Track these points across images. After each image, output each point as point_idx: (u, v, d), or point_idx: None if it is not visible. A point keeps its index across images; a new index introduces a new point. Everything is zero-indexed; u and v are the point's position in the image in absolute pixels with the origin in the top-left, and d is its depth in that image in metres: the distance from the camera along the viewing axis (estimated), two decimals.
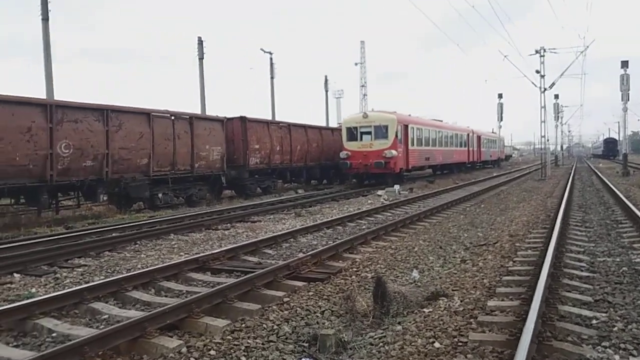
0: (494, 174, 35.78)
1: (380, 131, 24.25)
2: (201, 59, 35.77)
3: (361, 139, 24.74)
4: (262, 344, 4.68)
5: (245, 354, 4.48)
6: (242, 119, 21.25)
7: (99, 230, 11.60)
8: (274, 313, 5.44)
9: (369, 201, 18.04)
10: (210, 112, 32.51)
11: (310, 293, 6.20)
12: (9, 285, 7.18)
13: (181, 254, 9.19)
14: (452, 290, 6.15)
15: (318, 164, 26.75)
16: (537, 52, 31.25)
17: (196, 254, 8.81)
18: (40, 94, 23.34)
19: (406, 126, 25.67)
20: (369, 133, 24.58)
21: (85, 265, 8.33)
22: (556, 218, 10.75)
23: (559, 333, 4.57)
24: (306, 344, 4.74)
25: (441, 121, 35.23)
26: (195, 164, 18.17)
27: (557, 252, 7.57)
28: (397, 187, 21.06)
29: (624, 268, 6.93)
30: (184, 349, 4.55)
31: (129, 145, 15.54)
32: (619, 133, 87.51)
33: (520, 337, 4.15)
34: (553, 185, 23.72)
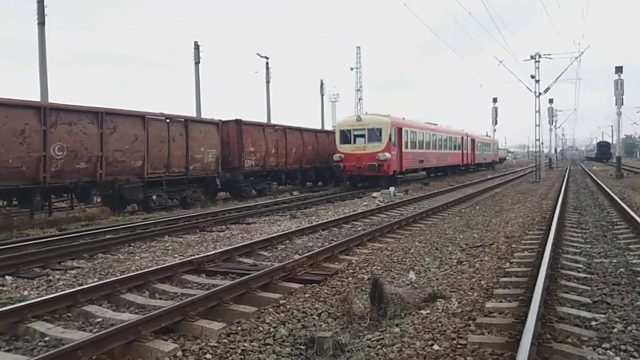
0: (489, 176, 35.84)
1: (374, 134, 24.21)
2: (197, 63, 35.76)
3: (355, 142, 24.68)
4: (259, 347, 4.62)
5: (242, 357, 4.41)
6: (238, 122, 21.20)
7: (92, 232, 11.49)
8: (270, 315, 5.37)
9: (364, 203, 18.00)
10: (206, 114, 32.61)
11: (307, 295, 6.14)
12: (0, 288, 7.07)
13: (175, 255, 9.11)
14: (450, 291, 6.11)
15: (313, 167, 26.73)
16: (532, 57, 31.44)
17: (191, 255, 8.74)
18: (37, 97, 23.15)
19: (400, 129, 25.67)
20: (362, 136, 24.53)
21: (79, 268, 8.23)
22: (552, 219, 10.75)
23: (558, 335, 4.53)
24: (303, 347, 4.68)
25: (436, 124, 35.29)
26: (190, 167, 18.09)
27: (554, 254, 7.54)
28: (392, 189, 21.02)
29: (621, 269, 6.91)
30: (179, 353, 4.47)
31: (124, 148, 15.44)
32: (612, 136, 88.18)
33: (520, 339, 4.10)
34: (547, 188, 23.77)
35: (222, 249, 8.80)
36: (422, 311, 5.42)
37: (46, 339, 4.95)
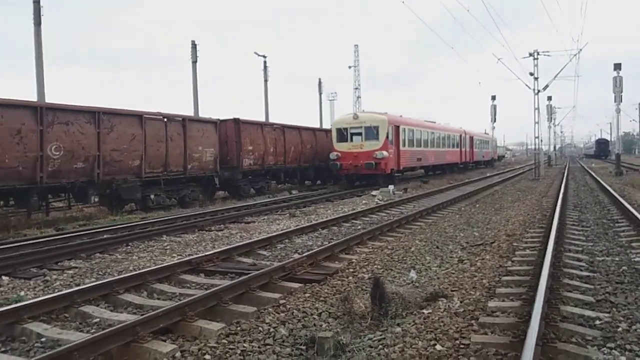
0: (488, 174, 35.80)
1: (371, 132, 24.01)
2: (194, 62, 35.69)
3: (351, 140, 24.49)
4: (258, 347, 4.55)
5: (241, 358, 4.34)
6: (236, 120, 21.13)
7: (90, 232, 11.41)
8: (270, 315, 5.30)
9: (364, 201, 17.93)
10: (204, 114, 32.46)
11: (307, 295, 6.07)
12: None
13: (174, 255, 9.03)
14: (451, 290, 6.04)
15: (312, 165, 26.66)
16: (530, 55, 31.37)
17: (189, 255, 8.67)
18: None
19: (397, 127, 25.52)
20: (359, 134, 24.32)
21: (76, 268, 8.15)
22: (553, 217, 10.69)
23: (562, 334, 4.47)
24: (303, 347, 4.61)
25: (434, 122, 35.20)
26: (188, 166, 18.01)
27: (556, 252, 7.48)
28: (391, 187, 20.96)
29: (623, 267, 6.85)
30: (177, 354, 4.41)
31: (121, 147, 15.36)
32: (610, 134, 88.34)
33: (524, 339, 4.04)
34: (547, 185, 23.72)
35: (221, 249, 8.72)
36: (423, 310, 5.35)
37: (43, 340, 4.88)
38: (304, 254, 7.87)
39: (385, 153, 23.56)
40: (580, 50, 31.24)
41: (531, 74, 31.74)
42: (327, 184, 27.91)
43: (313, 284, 6.51)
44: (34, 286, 7.06)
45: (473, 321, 4.89)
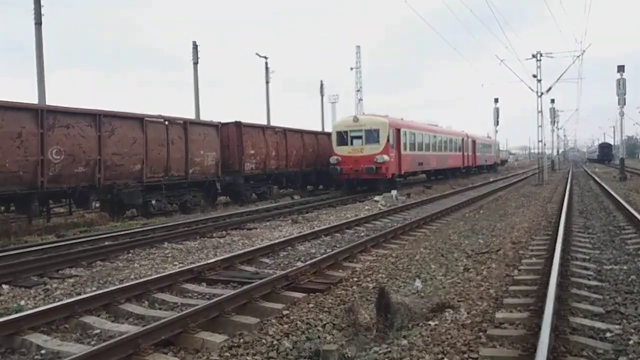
0: (491, 179, 35.66)
1: (372, 135, 23.64)
2: (196, 63, 35.48)
3: (352, 144, 24.11)
4: None
5: None
6: (237, 124, 21.04)
7: (91, 238, 11.32)
8: (273, 327, 5.21)
9: (367, 207, 17.83)
10: (205, 116, 32.32)
11: (311, 305, 5.97)
12: None
13: (175, 263, 8.94)
14: (458, 301, 5.93)
15: (314, 169, 26.51)
16: (533, 56, 31.27)
17: (191, 263, 8.58)
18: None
19: (398, 130, 25.25)
20: (359, 137, 23.93)
21: (77, 276, 8.07)
22: (558, 224, 10.58)
23: (573, 347, 4.37)
24: None
25: (436, 125, 35.06)
26: (190, 170, 17.91)
27: (563, 260, 7.38)
28: (394, 192, 20.84)
29: (632, 276, 6.74)
30: None
31: (122, 151, 15.27)
32: (614, 137, 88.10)
33: (534, 352, 3.95)
34: (551, 191, 23.60)
35: (223, 257, 8.63)
36: (430, 322, 5.24)
37: (42, 352, 4.80)
38: (308, 263, 7.78)
39: (386, 157, 23.28)
40: (584, 51, 30.91)
41: (534, 76, 31.62)
42: (329, 189, 27.78)
43: (317, 293, 6.41)
44: (35, 295, 6.98)
45: (481, 333, 4.79)
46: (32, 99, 24.26)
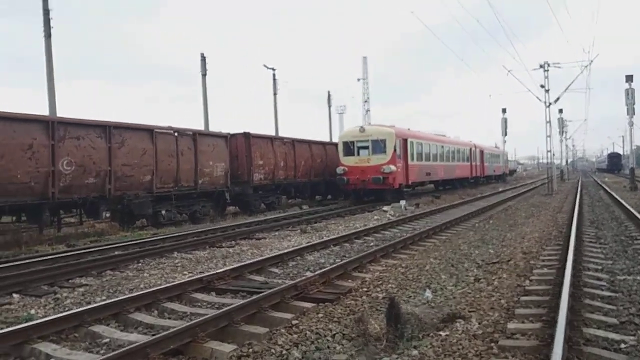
0: (500, 189, 35.46)
1: (378, 145, 23.56)
2: (204, 75, 35.75)
3: (358, 154, 24.03)
4: None
5: None
6: (246, 135, 21.15)
7: (101, 248, 11.37)
8: (282, 337, 5.18)
9: (375, 217, 17.78)
10: (214, 127, 32.48)
11: (320, 315, 5.93)
12: (7, 306, 6.96)
13: (185, 272, 8.95)
14: (469, 311, 5.87)
15: (322, 180, 26.53)
16: (541, 66, 31.18)
17: (200, 272, 8.58)
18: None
19: (405, 140, 25.18)
20: (366, 148, 23.86)
21: (87, 285, 8.09)
22: (569, 234, 10.48)
23: (587, 359, 4.30)
24: None
25: (444, 135, 34.97)
26: (199, 180, 17.99)
27: (575, 270, 7.29)
28: (403, 202, 20.76)
29: None
30: None
31: (132, 162, 15.38)
32: (623, 147, 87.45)
33: None
34: (561, 201, 23.41)
35: (233, 266, 8.63)
36: (441, 332, 5.19)
37: None
38: (317, 272, 7.74)
39: (393, 167, 23.18)
40: (592, 61, 30.79)
41: (542, 86, 31.51)
42: (337, 199, 27.74)
43: (326, 303, 6.38)
44: (45, 304, 7.00)
45: (493, 344, 4.72)
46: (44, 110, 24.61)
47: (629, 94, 28.57)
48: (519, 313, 5.67)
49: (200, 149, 18.08)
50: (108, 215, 16.18)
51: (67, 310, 6.33)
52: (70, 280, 8.47)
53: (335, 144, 29.40)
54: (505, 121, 49.52)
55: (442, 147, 31.42)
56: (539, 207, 20.16)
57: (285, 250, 10.23)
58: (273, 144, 22.73)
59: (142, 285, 7.93)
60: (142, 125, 16.26)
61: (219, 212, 19.99)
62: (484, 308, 5.96)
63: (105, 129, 14.62)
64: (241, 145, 21.02)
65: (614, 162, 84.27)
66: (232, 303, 6.24)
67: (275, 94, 42.91)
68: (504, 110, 49.46)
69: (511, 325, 5.21)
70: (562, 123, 50.37)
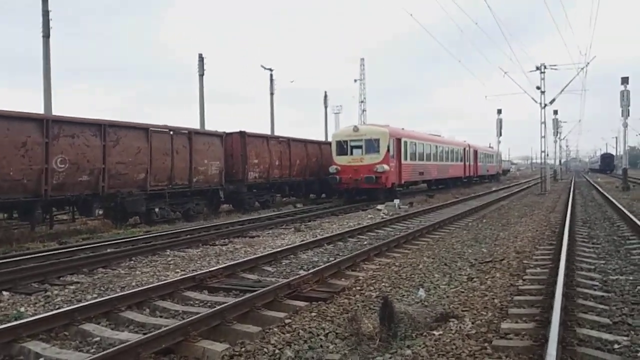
0: (493, 189, 35.55)
1: (372, 145, 23.50)
2: (201, 75, 35.81)
3: (351, 153, 23.98)
4: None
5: None
6: (242, 134, 21.09)
7: (93, 245, 11.28)
8: (275, 336, 5.15)
9: (369, 216, 17.76)
10: (210, 127, 32.42)
11: (313, 314, 5.91)
12: None
13: (177, 270, 8.89)
14: (462, 310, 5.86)
15: (317, 178, 26.49)
16: (537, 68, 31.27)
17: (193, 271, 8.53)
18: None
19: (399, 140, 25.14)
20: (359, 147, 23.80)
21: (78, 283, 8.02)
22: (562, 234, 10.51)
23: (580, 359, 4.29)
24: None
25: (439, 135, 35.00)
26: (194, 179, 17.92)
27: (568, 270, 7.30)
28: (397, 201, 20.76)
29: (639, 287, 6.66)
30: None
31: (126, 160, 15.29)
32: (616, 148, 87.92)
33: None
34: (554, 200, 23.48)
35: (225, 264, 8.58)
36: (434, 332, 5.17)
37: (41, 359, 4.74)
38: (310, 271, 7.71)
39: (386, 167, 23.14)
40: (588, 63, 30.83)
41: (538, 88, 31.60)
42: (332, 198, 27.71)
43: (319, 302, 6.35)
44: (35, 302, 6.93)
45: (486, 344, 4.72)
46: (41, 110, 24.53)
47: (624, 96, 28.66)
48: (513, 313, 5.66)
49: (196, 147, 18.01)
50: (101, 212, 16.08)
51: (57, 308, 6.27)
52: (61, 278, 8.38)
53: (331, 144, 29.40)
54: (500, 122, 49.63)
55: (436, 147, 31.43)
56: (532, 206, 20.22)
57: (279, 249, 10.18)
58: (268, 142, 22.67)
59: (134, 283, 7.87)
60: (138, 124, 16.16)
61: (213, 210, 19.93)
62: (478, 307, 5.96)
63: (100, 127, 14.52)
64: (237, 144, 20.96)
65: (607, 162, 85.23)
66: (225, 302, 6.21)
67: (272, 94, 42.99)
68: (499, 111, 49.59)
69: (505, 325, 5.20)
70: (556, 124, 50.53)
